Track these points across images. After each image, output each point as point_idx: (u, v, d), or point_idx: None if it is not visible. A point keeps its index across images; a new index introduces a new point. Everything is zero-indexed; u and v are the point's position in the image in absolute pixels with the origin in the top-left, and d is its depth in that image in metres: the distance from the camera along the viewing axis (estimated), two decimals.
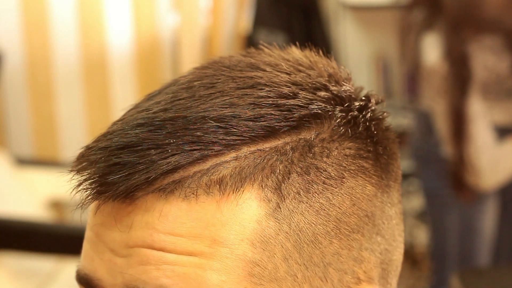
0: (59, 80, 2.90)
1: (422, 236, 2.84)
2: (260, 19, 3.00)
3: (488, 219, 2.13)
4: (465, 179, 2.04)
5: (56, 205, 2.36)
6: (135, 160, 0.46)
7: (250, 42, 2.91)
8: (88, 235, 0.50)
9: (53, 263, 2.06)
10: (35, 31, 2.87)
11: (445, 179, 2.09)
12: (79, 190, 0.47)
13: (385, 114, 0.53)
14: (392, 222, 0.52)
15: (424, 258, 2.89)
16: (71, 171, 0.49)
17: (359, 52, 3.18)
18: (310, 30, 3.04)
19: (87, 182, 0.47)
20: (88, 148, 0.48)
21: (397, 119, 2.95)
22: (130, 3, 2.93)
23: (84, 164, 0.48)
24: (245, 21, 3.02)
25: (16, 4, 2.85)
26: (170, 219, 0.46)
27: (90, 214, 0.50)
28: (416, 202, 2.83)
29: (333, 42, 3.10)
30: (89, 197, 0.47)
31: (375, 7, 3.12)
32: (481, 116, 2.00)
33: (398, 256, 0.53)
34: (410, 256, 2.90)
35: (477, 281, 1.96)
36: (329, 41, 3.06)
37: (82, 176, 0.47)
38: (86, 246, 0.50)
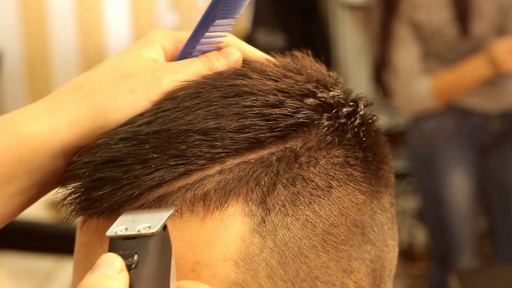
0: (58, 79, 2.90)
1: (420, 236, 2.84)
2: (259, 19, 3.00)
3: (457, 193, 2.19)
4: (382, 77, 2.19)
5: (55, 204, 2.36)
6: (119, 176, 0.45)
7: (249, 42, 2.91)
8: (75, 257, 0.49)
9: (52, 262, 2.06)
10: (34, 30, 2.87)
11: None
12: (64, 204, 0.46)
13: (374, 118, 0.52)
14: (383, 228, 0.51)
15: (422, 257, 2.89)
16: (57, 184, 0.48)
17: (358, 52, 3.18)
18: (309, 30, 3.04)
19: (71, 197, 0.46)
20: (72, 162, 0.47)
21: (396, 119, 2.95)
22: (129, 2, 2.93)
23: (69, 178, 0.47)
24: (244, 21, 3.02)
25: (15, 3, 2.85)
26: None
27: (77, 231, 0.49)
28: (415, 202, 2.83)
29: (332, 42, 3.10)
30: (73, 213, 0.46)
31: None
32: (408, 43, 2.08)
33: (391, 259, 0.52)
34: (409, 256, 2.89)
35: (476, 281, 1.96)
36: (328, 41, 3.06)
37: (67, 190, 0.47)
38: (75, 271, 0.49)
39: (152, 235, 0.41)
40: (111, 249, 0.41)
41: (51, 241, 1.89)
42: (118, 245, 0.41)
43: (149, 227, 0.41)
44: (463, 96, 2.09)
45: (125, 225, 0.42)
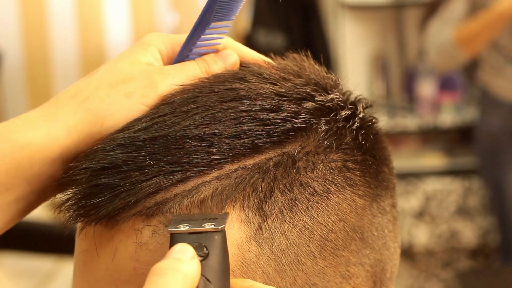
0: (58, 79, 2.90)
1: (420, 236, 2.84)
2: (259, 19, 3.00)
3: None
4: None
5: (54, 206, 2.36)
6: (116, 183, 0.44)
7: (249, 42, 2.91)
8: (75, 263, 0.48)
9: (52, 262, 2.06)
10: (34, 31, 2.87)
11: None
12: (62, 210, 0.46)
13: (373, 120, 0.51)
14: (383, 232, 0.50)
15: (422, 257, 2.90)
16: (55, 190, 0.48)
17: (357, 52, 3.18)
18: (309, 30, 3.04)
19: (68, 203, 0.46)
20: (70, 168, 0.47)
21: (396, 119, 2.95)
22: (129, 2, 2.93)
23: (66, 183, 0.47)
24: (244, 21, 3.02)
25: (15, 4, 2.85)
26: (151, 249, 0.44)
27: (76, 238, 0.49)
28: (415, 202, 2.83)
29: (332, 42, 3.10)
30: (71, 219, 0.46)
31: (374, 6, 3.12)
32: (443, 20, 2.19)
33: (393, 262, 0.51)
34: (409, 256, 2.90)
35: (476, 281, 1.97)
36: (327, 41, 3.06)
37: (64, 195, 0.46)
38: (74, 278, 0.48)
39: (219, 231, 0.41)
40: (174, 243, 0.41)
41: (51, 241, 1.89)
42: (183, 239, 0.41)
43: (214, 224, 0.41)
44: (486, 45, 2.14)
45: (185, 223, 0.42)
